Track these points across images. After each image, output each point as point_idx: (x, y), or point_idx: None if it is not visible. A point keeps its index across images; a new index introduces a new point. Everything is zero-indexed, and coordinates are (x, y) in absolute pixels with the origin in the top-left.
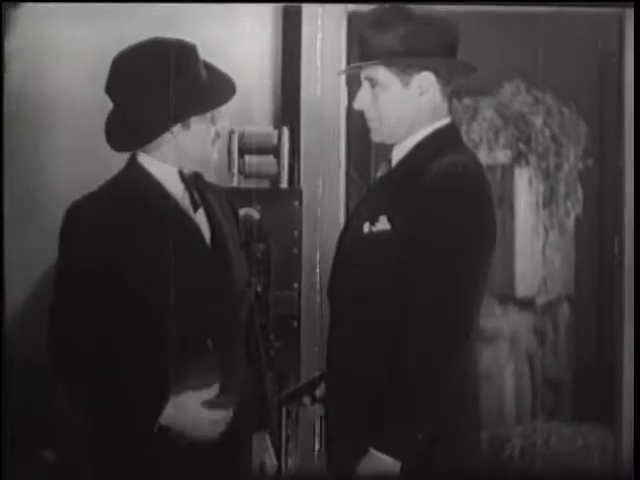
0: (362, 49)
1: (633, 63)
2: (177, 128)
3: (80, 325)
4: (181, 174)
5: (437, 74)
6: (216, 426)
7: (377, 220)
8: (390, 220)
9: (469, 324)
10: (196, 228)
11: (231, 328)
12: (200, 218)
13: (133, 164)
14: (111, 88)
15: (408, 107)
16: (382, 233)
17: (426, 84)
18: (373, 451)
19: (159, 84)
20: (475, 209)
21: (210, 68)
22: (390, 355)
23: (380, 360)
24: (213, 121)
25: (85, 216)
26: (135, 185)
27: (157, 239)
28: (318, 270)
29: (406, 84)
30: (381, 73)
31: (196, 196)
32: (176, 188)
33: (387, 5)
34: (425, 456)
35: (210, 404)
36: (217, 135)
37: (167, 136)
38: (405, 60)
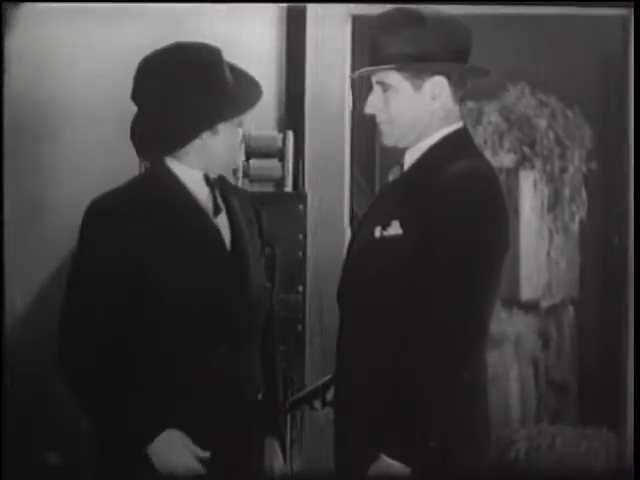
0: (373, 53)
1: (633, 63)
2: (206, 134)
3: (92, 323)
4: (206, 178)
5: (449, 78)
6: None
7: (389, 225)
8: (402, 225)
9: (483, 327)
10: (217, 231)
11: (245, 333)
12: (222, 222)
13: (159, 164)
14: (137, 95)
15: (420, 111)
16: (394, 238)
17: (438, 89)
18: (384, 457)
19: (186, 90)
20: (490, 213)
21: (235, 70)
22: (401, 360)
23: (390, 364)
24: (240, 124)
25: (106, 213)
26: (159, 185)
27: (177, 240)
28: (322, 274)
29: (418, 88)
30: (393, 77)
31: (219, 200)
32: (201, 191)
33: (398, 8)
34: (436, 460)
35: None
36: (243, 137)
37: (196, 142)
38: (417, 65)
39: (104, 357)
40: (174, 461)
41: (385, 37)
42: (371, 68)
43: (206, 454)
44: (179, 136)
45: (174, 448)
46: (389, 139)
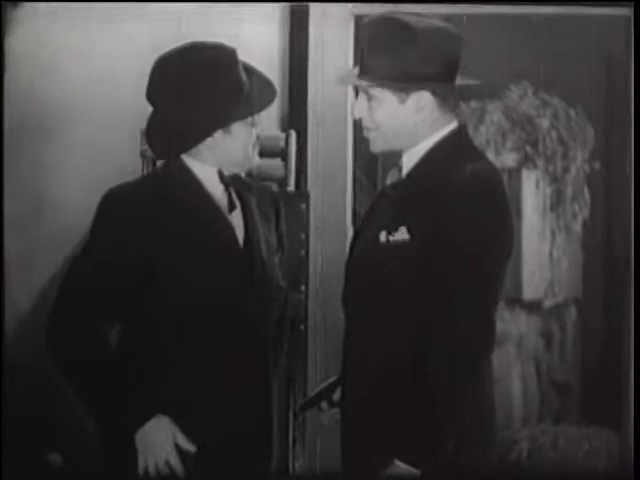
0: (361, 64)
1: (634, 63)
2: (219, 133)
3: (91, 309)
4: (220, 174)
5: (434, 92)
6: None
7: (395, 229)
8: (409, 230)
9: (492, 329)
10: (230, 228)
11: (257, 331)
12: (236, 219)
13: (175, 160)
14: (151, 93)
15: (404, 122)
16: (401, 243)
17: (422, 102)
18: (398, 462)
19: (200, 89)
20: (497, 216)
21: (250, 71)
22: (410, 362)
23: (397, 366)
24: (254, 124)
25: (122, 203)
26: (174, 180)
27: (190, 236)
28: (325, 273)
29: (402, 101)
30: (377, 90)
31: (234, 197)
32: (215, 188)
33: (388, 18)
34: (447, 462)
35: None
36: (258, 138)
37: (209, 141)
38: (402, 85)
39: (101, 345)
40: (157, 449)
41: (373, 52)
42: (356, 82)
43: (191, 448)
44: (191, 134)
45: (161, 435)
46: (375, 146)
